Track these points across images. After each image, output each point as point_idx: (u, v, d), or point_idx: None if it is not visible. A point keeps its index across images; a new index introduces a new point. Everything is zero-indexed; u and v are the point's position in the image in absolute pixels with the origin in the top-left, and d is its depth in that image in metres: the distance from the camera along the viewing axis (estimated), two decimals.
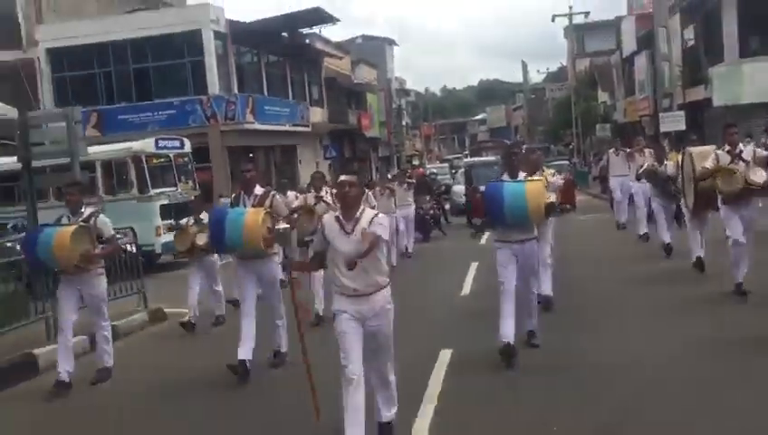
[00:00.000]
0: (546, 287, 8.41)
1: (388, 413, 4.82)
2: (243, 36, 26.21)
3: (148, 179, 16.13)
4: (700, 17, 25.27)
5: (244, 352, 6.60)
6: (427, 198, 18.46)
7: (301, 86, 32.44)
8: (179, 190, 16.72)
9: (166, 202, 16.06)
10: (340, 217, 4.74)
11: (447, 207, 21.20)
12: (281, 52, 30.18)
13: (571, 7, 47.19)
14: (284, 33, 30.17)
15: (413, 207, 15.73)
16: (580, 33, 52.44)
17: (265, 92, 28.00)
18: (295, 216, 8.19)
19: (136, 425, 5.88)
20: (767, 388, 5.28)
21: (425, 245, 17.02)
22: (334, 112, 36.46)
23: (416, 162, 50.60)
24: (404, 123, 63.71)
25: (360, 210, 4.73)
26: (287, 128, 28.71)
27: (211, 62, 24.36)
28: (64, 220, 7.10)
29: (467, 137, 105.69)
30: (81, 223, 6.89)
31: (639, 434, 4.77)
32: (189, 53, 24.62)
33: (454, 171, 32.39)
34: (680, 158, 9.67)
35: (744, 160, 7.89)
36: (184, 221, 10.00)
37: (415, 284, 11.25)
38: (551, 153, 47.09)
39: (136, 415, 6.10)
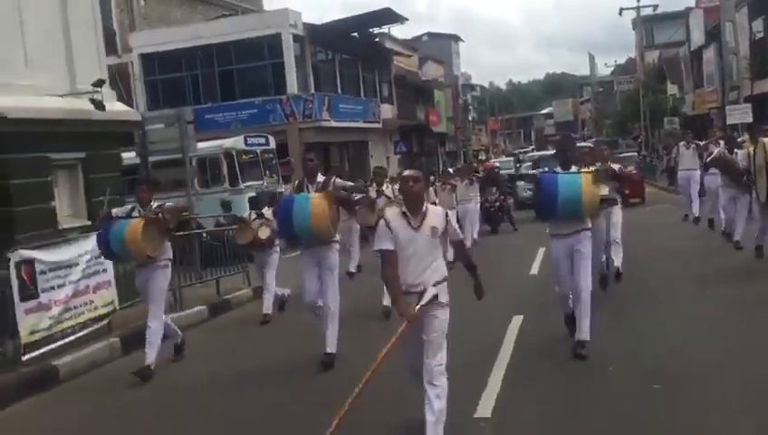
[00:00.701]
0: (618, 260, 9.14)
1: (432, 413, 4.48)
2: (318, 38, 27.67)
3: (238, 174, 17.69)
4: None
5: (330, 344, 6.79)
6: (494, 189, 18.64)
7: (371, 84, 33.76)
8: (265, 183, 18.18)
9: (254, 194, 17.59)
10: (407, 213, 4.66)
11: (511, 201, 21.26)
12: (353, 51, 31.55)
13: (638, 0, 47.04)
14: (355, 34, 31.55)
15: (474, 201, 15.66)
16: (648, 24, 52.05)
17: (339, 91, 29.42)
18: (357, 208, 8.38)
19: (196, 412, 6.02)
20: None
21: (493, 236, 17.48)
22: (403, 109, 37.65)
23: (482, 156, 51.29)
24: (470, 118, 64.43)
25: (425, 205, 4.69)
26: (360, 124, 30.08)
27: (290, 63, 25.89)
28: (135, 213, 7.27)
29: (533, 131, 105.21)
30: (152, 216, 7.12)
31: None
32: (270, 56, 26.21)
33: (518, 165, 32.90)
34: (752, 149, 9.33)
35: None
36: (246, 214, 10.14)
37: (483, 266, 11.49)
38: (619, 146, 46.95)
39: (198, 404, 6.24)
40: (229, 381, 6.66)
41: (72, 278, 7.56)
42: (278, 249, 9.69)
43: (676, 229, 14.92)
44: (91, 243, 7.91)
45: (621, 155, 25.26)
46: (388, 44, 37.65)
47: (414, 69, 41.65)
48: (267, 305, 9.49)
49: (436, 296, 4.52)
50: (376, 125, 31.91)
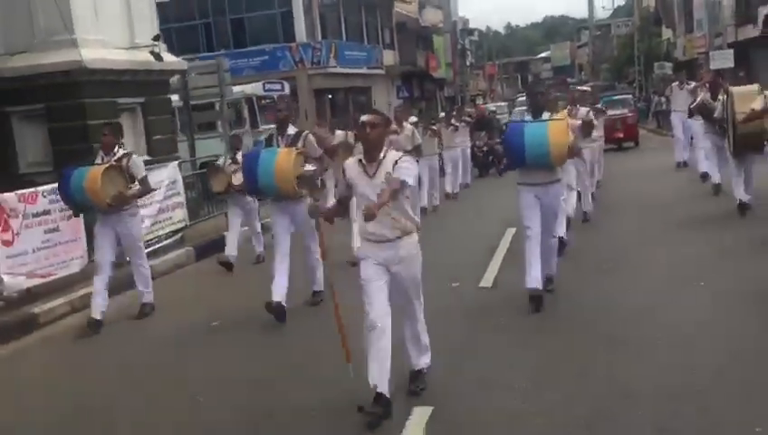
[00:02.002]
0: (561, 230, 7.74)
1: (420, 362, 4.64)
2: None
3: (258, 116, 19.38)
4: None
5: (278, 293, 6.47)
6: (483, 133, 18.39)
7: (374, 31, 35.07)
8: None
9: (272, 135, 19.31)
10: (362, 160, 4.53)
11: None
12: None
13: None
14: None
15: (460, 148, 15.34)
16: None
17: (344, 38, 30.81)
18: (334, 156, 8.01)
19: (163, 363, 5.89)
20: None
21: (478, 182, 17.19)
22: (404, 55, 38.99)
23: (479, 101, 52.61)
24: (468, 63, 65.43)
25: (382, 152, 4.49)
26: (364, 71, 31.56)
27: (298, 11, 27.27)
28: (98, 160, 7.05)
29: (531, 75, 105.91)
30: (113, 163, 6.88)
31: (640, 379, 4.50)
32: (279, 5, 27.56)
33: (512, 110, 34.10)
34: (725, 97, 9.10)
35: None
36: (221, 161, 9.67)
37: (452, 228, 11.22)
38: (615, 90, 47.97)
39: (163, 354, 6.14)
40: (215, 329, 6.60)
41: (157, 198, 9.38)
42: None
43: (665, 177, 14.25)
44: (167, 172, 9.72)
45: (616, 97, 25.79)
46: None
47: (414, 15, 42.70)
48: (259, 248, 9.42)
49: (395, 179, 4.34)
50: (379, 71, 33.38)
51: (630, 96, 29.63)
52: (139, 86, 11.69)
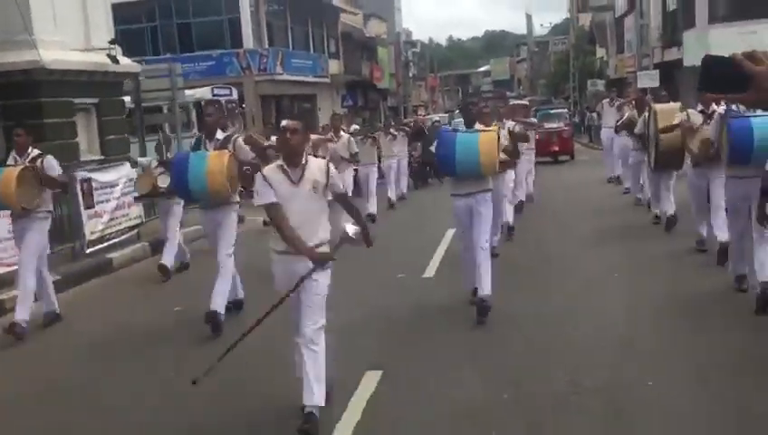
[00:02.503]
0: (509, 216, 9.43)
1: (312, 398, 4.24)
2: None
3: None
4: None
5: (214, 301, 6.33)
6: (419, 145, 18.28)
7: (320, 40, 35.68)
8: (230, 130, 20.30)
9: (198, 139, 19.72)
10: (284, 166, 4.41)
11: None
12: (303, 8, 33.35)
13: None
14: None
15: (397, 158, 15.37)
16: None
17: (291, 46, 31.31)
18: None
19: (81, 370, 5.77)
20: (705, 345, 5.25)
21: (416, 192, 17.08)
22: (349, 65, 39.69)
23: (421, 112, 53.74)
24: (410, 74, 66.63)
25: (303, 158, 4.43)
26: (310, 78, 32.09)
27: (246, 18, 27.65)
28: (11, 161, 6.93)
29: (471, 88, 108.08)
30: (27, 164, 6.69)
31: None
32: (227, 11, 27.90)
33: (451, 121, 35.23)
34: (647, 114, 9.38)
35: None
36: (145, 162, 9.44)
37: (396, 231, 11.54)
38: (552, 105, 49.73)
39: (87, 362, 6.00)
40: (112, 344, 6.37)
41: (114, 195, 9.78)
42: (180, 200, 8.60)
43: (595, 189, 14.78)
44: (124, 170, 10.13)
45: (552, 111, 26.59)
46: (335, 2, 39.42)
47: (359, 26, 43.51)
48: (168, 259, 8.74)
49: (349, 238, 4.45)
50: (324, 79, 33.97)
51: (566, 110, 30.24)
52: (95, 87, 12.04)
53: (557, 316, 6.26)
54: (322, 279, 4.43)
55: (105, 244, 8.90)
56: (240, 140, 6.74)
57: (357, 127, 14.54)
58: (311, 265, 4.32)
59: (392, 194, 14.89)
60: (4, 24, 10.85)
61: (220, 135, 6.63)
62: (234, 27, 27.91)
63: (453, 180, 6.58)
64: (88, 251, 9.05)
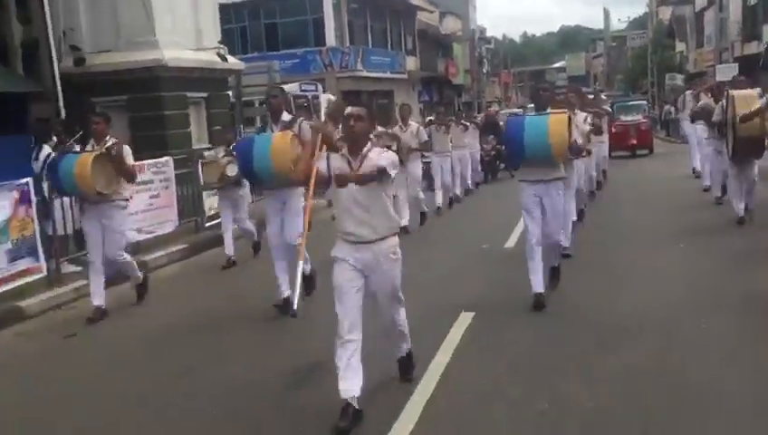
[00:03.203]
0: (565, 240, 7.56)
1: (402, 349, 4.69)
2: None
3: (294, 112, 21.06)
4: None
5: (285, 288, 6.50)
6: (491, 137, 17.87)
7: (398, 37, 36.78)
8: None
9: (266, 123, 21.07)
10: (346, 154, 4.41)
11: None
12: (382, 7, 34.51)
13: None
14: None
15: (468, 149, 15.17)
16: None
17: (370, 44, 32.51)
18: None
19: (163, 354, 5.87)
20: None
21: (485, 187, 16.83)
22: (425, 61, 40.66)
23: (495, 107, 54.14)
24: (484, 71, 67.03)
25: (366, 147, 4.39)
26: (387, 75, 33.26)
27: (329, 18, 29.01)
28: (89, 147, 6.98)
29: (547, 84, 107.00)
30: (104, 151, 6.72)
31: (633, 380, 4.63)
32: (311, 12, 29.32)
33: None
34: (725, 101, 9.02)
35: None
36: (212, 152, 9.60)
37: (462, 226, 11.71)
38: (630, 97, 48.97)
39: (162, 346, 6.09)
40: (185, 329, 6.49)
41: None
42: (247, 188, 9.04)
43: (674, 184, 14.32)
44: None
45: (630, 103, 25.26)
46: (413, 0, 40.43)
47: (435, 23, 44.39)
48: (231, 247, 9.02)
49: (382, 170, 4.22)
50: (402, 76, 35.06)
51: (645, 102, 29.01)
52: (205, 83, 13.40)
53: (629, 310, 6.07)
54: (393, 270, 4.41)
55: (217, 220, 10.10)
56: (306, 123, 6.55)
57: (431, 118, 13.87)
58: (379, 256, 4.31)
59: (457, 188, 14.43)
60: (131, 28, 12.29)
61: (286, 117, 6.68)
62: (317, 26, 29.32)
63: (522, 166, 6.27)
64: (207, 225, 10.32)
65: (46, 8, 9.55)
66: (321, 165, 4.41)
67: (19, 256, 6.98)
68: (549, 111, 6.22)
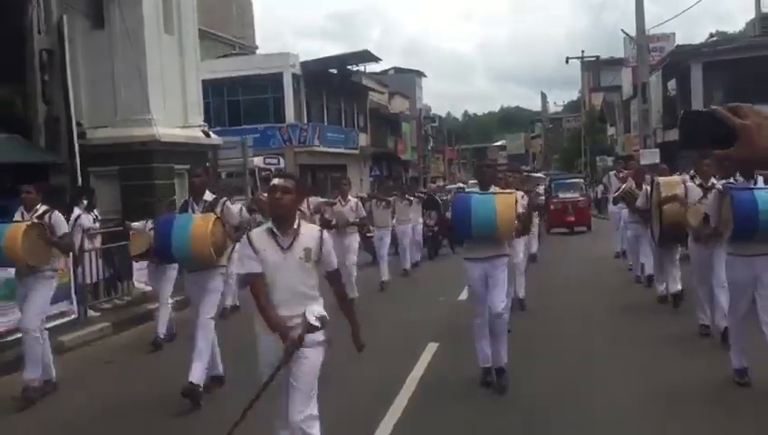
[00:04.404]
0: (521, 291, 9.13)
1: None
2: (310, 75, 32.93)
3: (258, 185, 22.64)
4: (678, 74, 31.60)
5: (197, 374, 6.06)
6: (432, 213, 17.82)
7: (351, 116, 39.15)
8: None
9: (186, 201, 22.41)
10: (273, 230, 4.07)
11: None
12: (337, 87, 36.92)
13: (583, 51, 53.78)
14: (334, 70, 37.02)
15: (412, 223, 15.11)
16: (595, 68, 58.55)
17: (326, 121, 34.66)
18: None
19: None
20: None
21: (428, 263, 16.56)
22: (376, 138, 43.11)
23: (439, 182, 56.76)
24: (429, 147, 70.19)
25: (296, 223, 4.09)
26: (342, 150, 35.35)
27: (288, 97, 31.10)
28: (17, 217, 6.73)
29: (488, 162, 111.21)
30: (35, 220, 6.53)
31: None
32: (272, 90, 31.37)
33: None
34: (649, 188, 9.20)
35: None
36: (140, 223, 9.12)
37: (405, 299, 11.63)
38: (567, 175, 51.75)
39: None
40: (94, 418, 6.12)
41: None
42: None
43: (603, 263, 14.51)
44: None
45: (567, 181, 26.35)
46: (365, 81, 43.08)
47: (385, 103, 47.14)
48: (162, 324, 8.53)
49: (313, 326, 3.90)
50: (354, 151, 37.24)
51: (581, 180, 29.37)
52: (189, 156, 14.94)
53: (569, 393, 6.15)
54: (313, 356, 4.06)
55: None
56: (229, 204, 6.59)
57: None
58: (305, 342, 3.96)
59: (406, 262, 14.52)
60: (127, 107, 13.84)
61: (209, 196, 6.47)
62: (277, 104, 31.33)
63: (467, 244, 6.36)
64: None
65: (70, 93, 10.98)
66: (243, 264, 4.15)
67: (59, 300, 8.28)
68: (495, 190, 6.38)
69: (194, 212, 6.39)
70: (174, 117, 14.63)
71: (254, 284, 4.08)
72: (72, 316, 8.46)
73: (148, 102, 13.66)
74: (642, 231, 10.37)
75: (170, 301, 8.67)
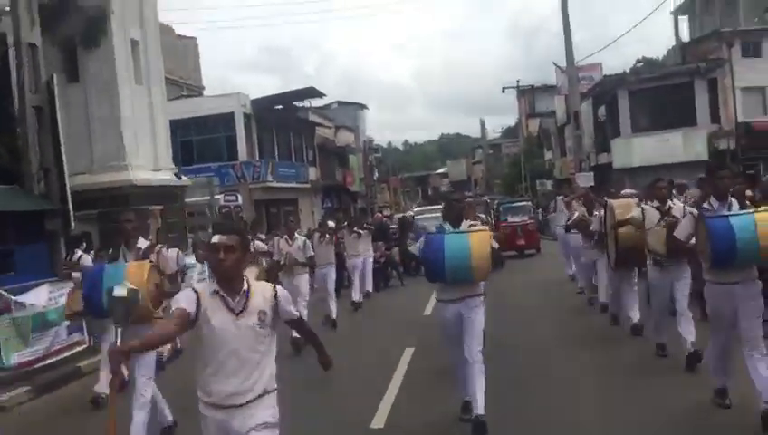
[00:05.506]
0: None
1: None
2: (261, 113, 34.08)
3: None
4: (607, 101, 33.97)
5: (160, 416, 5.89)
6: (380, 244, 17.52)
7: (300, 151, 40.37)
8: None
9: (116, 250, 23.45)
10: (220, 292, 3.60)
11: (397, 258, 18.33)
12: (286, 124, 38.17)
13: (518, 81, 56.45)
14: (280, 106, 38.25)
15: (363, 257, 14.66)
16: (531, 95, 61.29)
17: (277, 157, 35.77)
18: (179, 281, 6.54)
19: None
20: None
21: (376, 295, 15.88)
22: (325, 171, 44.36)
23: (387, 212, 58.22)
24: (375, 178, 71.81)
25: (244, 283, 3.63)
26: (294, 185, 36.46)
27: (241, 135, 32.11)
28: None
29: (430, 189, 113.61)
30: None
31: None
32: (224, 130, 32.37)
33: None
34: (602, 211, 9.09)
35: (674, 217, 6.98)
36: (79, 275, 7.96)
37: (356, 339, 11.20)
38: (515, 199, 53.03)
39: None
40: None
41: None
42: None
43: (554, 288, 14.31)
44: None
45: (515, 204, 26.76)
46: (311, 117, 44.45)
47: (331, 137, 48.56)
48: (102, 383, 7.71)
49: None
50: (305, 185, 38.39)
51: (529, 203, 29.60)
52: (161, 197, 15.94)
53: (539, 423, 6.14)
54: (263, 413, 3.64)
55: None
56: (165, 251, 6.17)
57: (332, 225, 14.23)
58: (252, 421, 3.57)
59: (357, 295, 14.15)
60: (103, 154, 14.81)
61: (142, 243, 6.11)
62: (230, 143, 32.31)
63: (440, 285, 6.01)
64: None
65: (62, 145, 11.90)
66: (183, 305, 3.58)
67: (73, 331, 9.20)
68: (466, 227, 6.05)
69: (126, 260, 5.94)
70: (146, 161, 15.62)
71: (176, 315, 3.58)
72: (84, 346, 9.37)
73: (124, 149, 14.67)
74: (598, 256, 10.19)
75: None
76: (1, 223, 11.00)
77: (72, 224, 11.69)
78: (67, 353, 8.99)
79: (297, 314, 3.90)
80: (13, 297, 8.87)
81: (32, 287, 9.56)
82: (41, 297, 9.40)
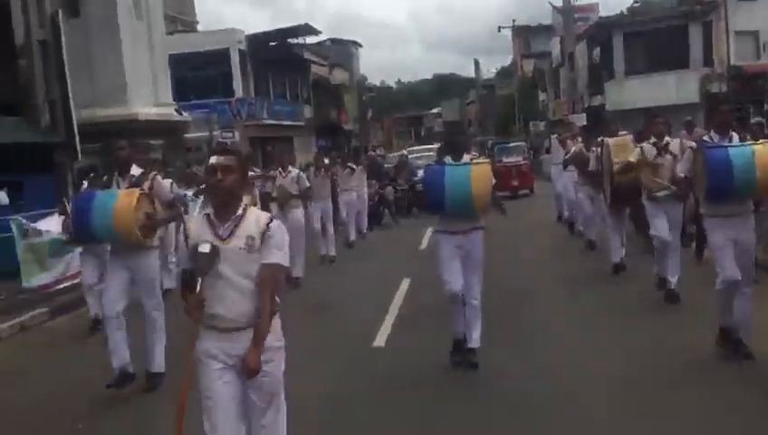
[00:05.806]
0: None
1: None
2: (256, 50, 34.02)
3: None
4: (601, 43, 34.03)
5: (118, 359, 5.76)
6: (373, 181, 17.30)
7: (295, 89, 40.41)
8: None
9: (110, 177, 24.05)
10: (211, 216, 3.48)
11: (391, 197, 18.87)
12: (281, 61, 38.07)
13: (514, 21, 56.08)
14: (275, 43, 38.12)
15: (357, 192, 14.46)
16: (525, 35, 60.82)
17: (272, 94, 35.85)
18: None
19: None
20: (680, 416, 4.81)
21: (370, 234, 15.88)
22: (320, 110, 44.45)
23: (380, 151, 58.37)
24: (368, 117, 71.69)
25: (240, 210, 3.47)
26: (288, 123, 36.65)
27: (236, 72, 32.14)
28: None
29: (424, 129, 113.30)
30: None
31: None
32: (219, 66, 32.34)
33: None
34: (599, 149, 9.02)
35: (671, 154, 7.15)
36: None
37: (354, 272, 11.36)
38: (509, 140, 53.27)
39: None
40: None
41: None
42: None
43: (547, 230, 14.21)
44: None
45: (510, 145, 26.86)
46: (306, 54, 44.23)
47: (326, 75, 48.41)
48: (95, 307, 7.92)
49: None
50: (300, 123, 38.57)
51: (524, 143, 29.48)
52: (162, 130, 16.29)
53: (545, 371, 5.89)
54: (272, 369, 3.52)
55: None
56: (160, 178, 6.16)
57: (327, 162, 14.05)
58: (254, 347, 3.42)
59: (351, 233, 14.18)
60: (105, 89, 15.07)
61: (135, 171, 6.08)
62: (225, 79, 32.35)
63: (440, 217, 5.95)
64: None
65: (68, 79, 12.19)
66: (181, 259, 3.64)
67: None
68: (468, 159, 5.99)
69: (119, 188, 5.95)
70: (147, 96, 15.90)
71: (187, 280, 3.51)
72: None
73: (125, 84, 14.93)
74: (594, 193, 10.22)
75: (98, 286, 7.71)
76: (9, 154, 11.35)
77: (80, 156, 12.06)
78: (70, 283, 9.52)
79: (277, 261, 3.50)
80: (31, 224, 9.34)
81: (41, 217, 10.06)
82: (52, 225, 9.88)
